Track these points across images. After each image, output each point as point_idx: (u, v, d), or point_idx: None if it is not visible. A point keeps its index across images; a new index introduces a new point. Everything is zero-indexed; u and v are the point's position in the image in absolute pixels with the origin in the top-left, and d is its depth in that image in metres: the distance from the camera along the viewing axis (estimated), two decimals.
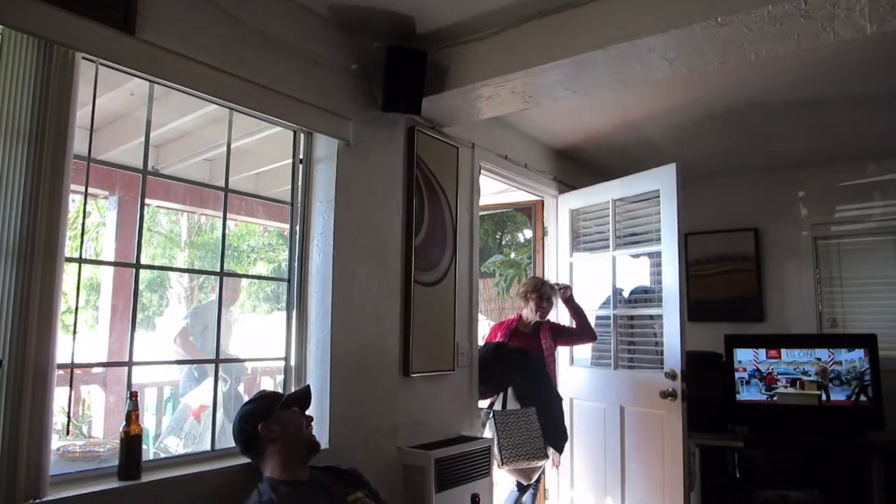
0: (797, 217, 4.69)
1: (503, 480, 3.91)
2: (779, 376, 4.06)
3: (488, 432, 3.38)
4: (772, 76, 3.11)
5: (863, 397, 3.89)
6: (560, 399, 3.65)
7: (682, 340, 3.35)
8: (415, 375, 2.92)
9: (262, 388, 2.39)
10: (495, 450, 3.24)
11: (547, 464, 3.52)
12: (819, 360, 3.99)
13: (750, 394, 4.09)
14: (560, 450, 3.53)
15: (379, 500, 2.16)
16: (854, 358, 3.93)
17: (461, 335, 3.25)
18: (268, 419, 2.02)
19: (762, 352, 4.11)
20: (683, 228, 3.50)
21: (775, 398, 4.05)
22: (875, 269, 4.41)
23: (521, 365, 3.54)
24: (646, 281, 3.92)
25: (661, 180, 3.55)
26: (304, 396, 2.18)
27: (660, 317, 3.63)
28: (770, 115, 3.59)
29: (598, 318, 4.00)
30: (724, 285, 4.70)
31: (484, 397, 3.51)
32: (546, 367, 3.67)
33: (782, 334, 4.38)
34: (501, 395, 3.53)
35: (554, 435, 3.47)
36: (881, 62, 2.93)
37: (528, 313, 3.76)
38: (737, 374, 4.12)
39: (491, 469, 3.10)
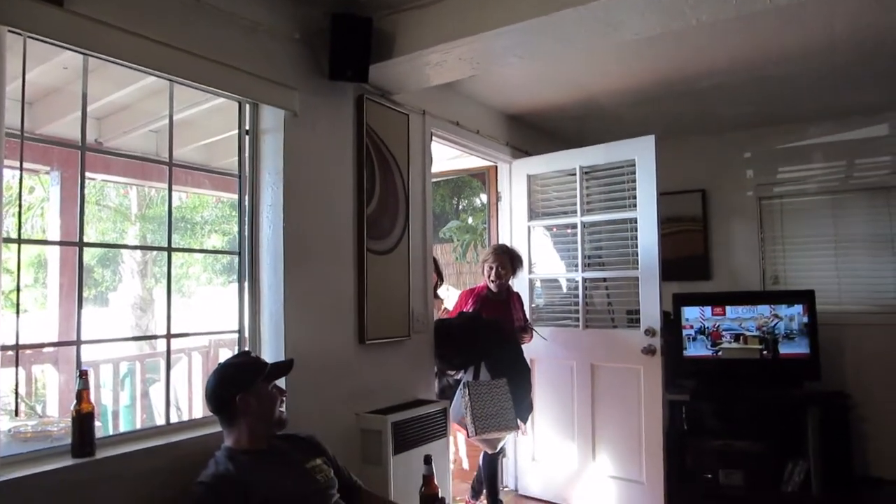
0: (742, 178, 4.84)
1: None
2: (723, 332, 4.23)
3: (458, 402, 3.42)
4: (717, 42, 3.17)
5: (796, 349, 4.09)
6: (529, 371, 3.71)
7: (660, 300, 3.58)
8: (370, 342, 2.95)
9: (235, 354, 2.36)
10: (467, 420, 3.31)
11: (513, 434, 3.60)
12: (762, 315, 4.17)
13: (696, 349, 4.27)
14: (525, 420, 3.60)
15: (337, 466, 2.19)
16: (793, 313, 4.12)
17: (416, 302, 3.30)
18: (247, 391, 1.98)
19: (708, 309, 4.27)
20: None
21: (720, 353, 4.23)
22: (814, 227, 4.59)
23: (496, 337, 3.56)
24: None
25: (638, 150, 3.70)
26: (286, 369, 2.16)
27: (614, 279, 3.94)
28: (716, 78, 3.67)
29: (567, 280, 4.16)
30: (673, 245, 4.82)
31: (457, 369, 3.55)
32: (517, 339, 3.74)
33: (727, 292, 4.54)
34: (473, 366, 3.56)
35: (522, 407, 3.52)
36: (820, 28, 3.01)
37: (486, 280, 3.81)
38: (684, 332, 4.29)
39: (447, 430, 3.18)
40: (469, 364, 3.52)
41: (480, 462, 3.69)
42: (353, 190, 2.95)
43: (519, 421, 3.47)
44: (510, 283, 3.92)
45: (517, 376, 3.55)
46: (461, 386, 3.43)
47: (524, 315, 3.94)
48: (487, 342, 3.51)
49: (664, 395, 3.62)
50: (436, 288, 4.06)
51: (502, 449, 3.63)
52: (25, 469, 1.77)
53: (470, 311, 3.74)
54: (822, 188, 4.58)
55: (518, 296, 3.96)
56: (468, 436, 3.40)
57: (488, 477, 3.62)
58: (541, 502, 3.93)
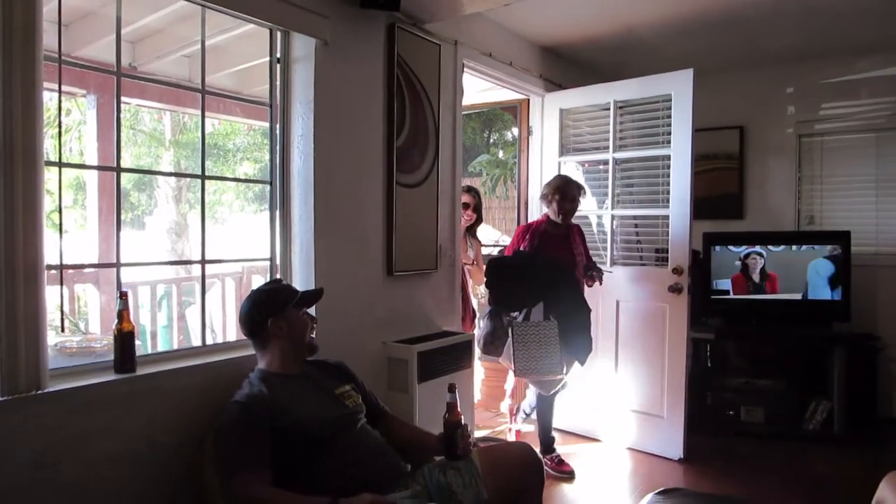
0: (783, 115, 4.68)
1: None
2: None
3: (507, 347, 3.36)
4: None
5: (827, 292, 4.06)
6: (588, 311, 3.49)
7: (689, 239, 3.56)
8: (398, 274, 3.01)
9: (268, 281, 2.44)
10: (511, 360, 3.31)
11: (567, 377, 3.47)
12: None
13: (725, 288, 4.25)
14: (582, 362, 3.45)
15: (365, 392, 2.27)
16: (826, 259, 4.06)
17: (444, 235, 3.33)
18: (279, 315, 2.06)
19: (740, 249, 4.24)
20: None
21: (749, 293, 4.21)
22: (855, 167, 4.45)
23: (552, 279, 3.38)
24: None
25: (676, 85, 3.59)
26: (316, 297, 2.23)
27: (644, 217, 3.89)
28: (761, 7, 3.50)
29: (598, 217, 4.12)
30: (706, 183, 4.73)
31: (510, 310, 3.42)
32: (578, 279, 3.53)
33: (759, 232, 4.48)
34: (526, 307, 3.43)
35: (577, 348, 3.40)
36: None
37: (552, 214, 3.54)
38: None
39: (472, 361, 3.27)
40: (523, 306, 3.40)
41: (535, 400, 3.66)
42: (384, 122, 2.94)
43: (564, 366, 3.34)
44: None
45: (574, 317, 3.40)
46: (509, 324, 3.38)
47: (586, 251, 3.66)
48: (542, 284, 3.37)
49: (689, 333, 3.64)
50: (474, 227, 4.03)
51: (559, 390, 3.54)
52: (72, 381, 1.89)
53: (526, 249, 3.50)
54: (867, 125, 4.41)
55: (579, 230, 3.71)
56: (514, 375, 3.43)
57: (540, 418, 3.59)
58: (565, 433, 4.03)
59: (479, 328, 3.54)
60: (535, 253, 3.46)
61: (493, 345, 3.41)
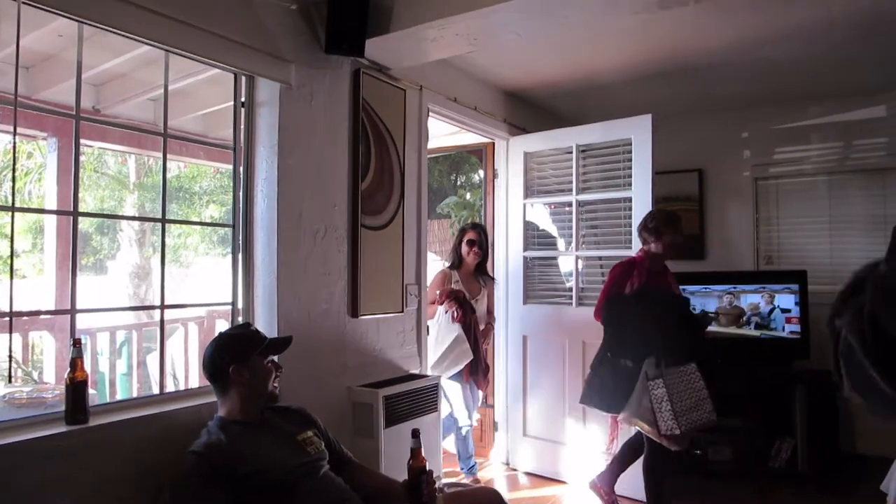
0: (739, 158, 4.83)
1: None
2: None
3: (641, 396, 2.95)
4: (715, 22, 3.15)
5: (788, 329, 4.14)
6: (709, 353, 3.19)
7: None
8: (363, 317, 2.98)
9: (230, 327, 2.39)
10: (661, 417, 2.88)
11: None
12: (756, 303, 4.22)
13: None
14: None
15: (328, 438, 2.22)
16: (786, 298, 4.16)
17: (410, 277, 3.32)
18: (242, 363, 2.01)
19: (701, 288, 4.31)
20: None
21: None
22: (809, 208, 4.60)
23: (680, 317, 3.08)
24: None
25: (635, 129, 3.68)
26: (284, 345, 2.18)
27: (609, 258, 3.90)
28: (714, 57, 3.64)
29: (562, 259, 4.18)
30: None
31: (640, 357, 3.01)
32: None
33: (719, 272, 4.56)
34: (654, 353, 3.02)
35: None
36: (818, 8, 2.98)
37: (659, 249, 3.24)
38: None
39: (438, 404, 3.23)
40: (649, 350, 3.01)
41: (624, 454, 3.35)
42: (349, 165, 2.95)
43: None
44: None
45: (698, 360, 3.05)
46: (644, 377, 2.96)
47: (678, 287, 3.47)
48: (672, 324, 3.05)
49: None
50: (483, 265, 3.97)
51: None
52: (19, 435, 1.81)
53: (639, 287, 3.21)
54: (819, 169, 4.57)
55: (667, 266, 3.44)
56: (659, 434, 2.92)
57: (657, 481, 3.16)
58: (532, 476, 3.99)
59: (591, 384, 3.22)
60: (646, 287, 3.18)
61: (613, 400, 3.09)
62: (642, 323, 3.06)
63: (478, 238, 3.90)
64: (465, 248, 3.89)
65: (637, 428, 3.10)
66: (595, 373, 3.21)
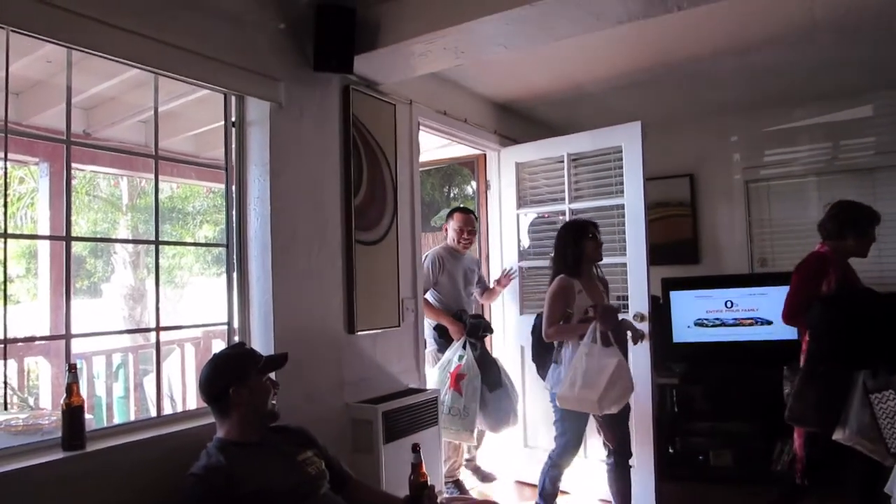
0: (730, 162, 4.86)
1: None
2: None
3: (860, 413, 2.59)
4: (701, 29, 3.18)
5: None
6: None
7: (648, 285, 3.61)
8: (360, 333, 2.98)
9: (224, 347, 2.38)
10: (887, 434, 2.53)
11: None
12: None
13: (686, 334, 4.30)
14: None
15: (328, 458, 2.20)
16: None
17: (406, 291, 3.32)
18: (240, 384, 1.99)
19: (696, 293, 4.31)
20: None
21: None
22: (800, 209, 4.62)
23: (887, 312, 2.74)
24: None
25: (625, 137, 3.70)
26: (281, 362, 2.17)
27: (603, 265, 3.79)
28: (701, 64, 3.67)
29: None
30: (661, 230, 4.84)
31: (857, 370, 2.66)
32: None
33: (714, 275, 4.58)
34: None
35: None
36: (800, 12, 3.02)
37: (857, 250, 3.03)
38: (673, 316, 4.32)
39: (438, 419, 3.21)
40: (882, 359, 2.63)
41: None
42: (341, 181, 2.95)
43: None
44: None
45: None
46: (863, 389, 2.62)
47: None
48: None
49: (654, 379, 3.65)
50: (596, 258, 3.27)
51: None
52: (14, 463, 1.79)
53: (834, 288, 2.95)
54: (808, 170, 4.61)
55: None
56: (887, 453, 2.55)
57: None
58: (533, 487, 3.96)
59: (803, 397, 2.86)
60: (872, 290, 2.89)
61: (833, 416, 2.72)
62: (872, 327, 2.71)
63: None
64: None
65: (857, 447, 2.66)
66: (808, 384, 2.85)
